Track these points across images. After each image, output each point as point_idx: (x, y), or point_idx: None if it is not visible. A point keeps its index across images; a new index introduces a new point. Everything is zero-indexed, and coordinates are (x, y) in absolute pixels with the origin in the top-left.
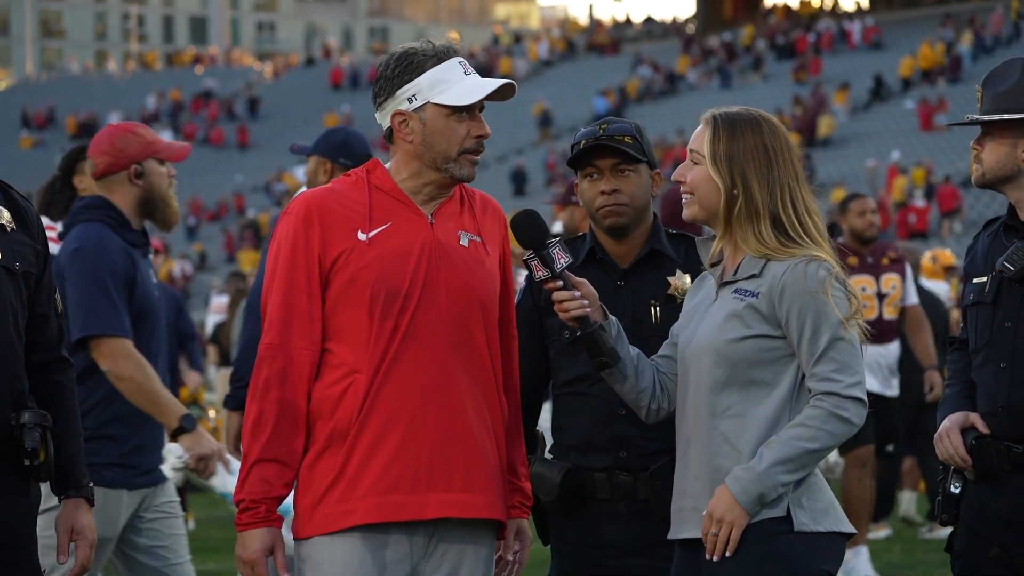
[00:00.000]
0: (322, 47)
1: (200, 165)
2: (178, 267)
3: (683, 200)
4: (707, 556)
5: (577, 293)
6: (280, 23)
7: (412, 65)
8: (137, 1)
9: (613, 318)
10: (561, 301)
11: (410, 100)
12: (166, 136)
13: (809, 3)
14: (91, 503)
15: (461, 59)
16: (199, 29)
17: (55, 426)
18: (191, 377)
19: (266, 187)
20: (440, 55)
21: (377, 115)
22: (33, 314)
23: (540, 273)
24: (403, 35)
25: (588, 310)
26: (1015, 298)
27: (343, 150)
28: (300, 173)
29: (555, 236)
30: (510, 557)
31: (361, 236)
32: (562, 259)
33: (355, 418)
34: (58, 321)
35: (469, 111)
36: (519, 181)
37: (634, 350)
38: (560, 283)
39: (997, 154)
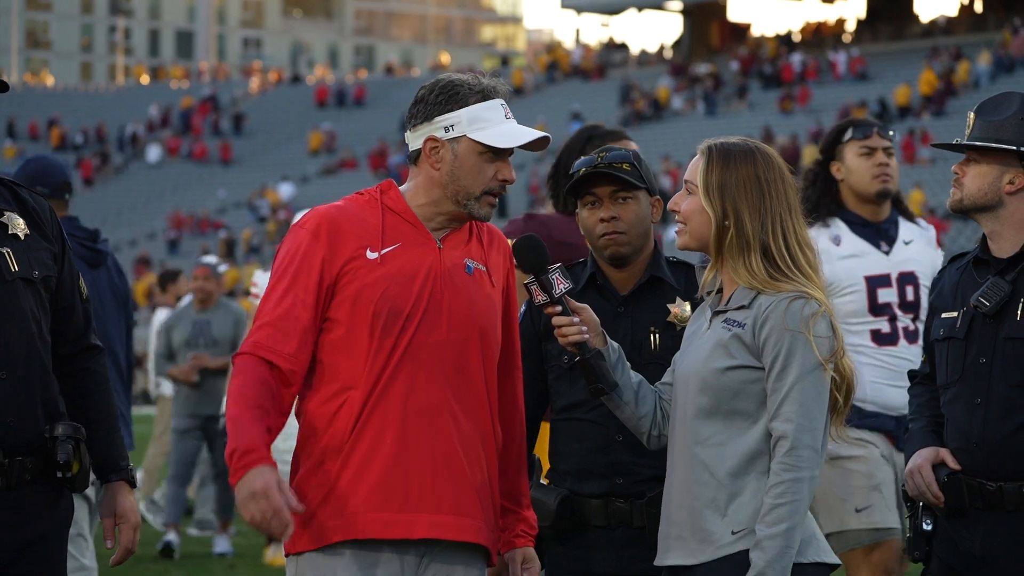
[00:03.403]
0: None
1: (184, 180)
2: None
3: (676, 229)
4: None
5: (576, 319)
6: (266, 39)
7: (457, 96)
8: (124, 14)
9: (615, 344)
10: (560, 326)
11: (447, 129)
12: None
13: (797, 31)
14: (132, 485)
15: (503, 101)
16: (185, 44)
17: (89, 412)
18: None
19: (249, 203)
20: (485, 93)
21: (408, 135)
22: (58, 308)
23: (540, 298)
24: (389, 54)
25: (587, 336)
26: (989, 334)
27: (40, 179)
28: (283, 190)
29: (556, 262)
30: None
31: (371, 255)
32: (562, 284)
33: (348, 435)
34: (83, 307)
35: (499, 153)
36: (501, 204)
37: (636, 376)
38: (559, 308)
39: (980, 182)
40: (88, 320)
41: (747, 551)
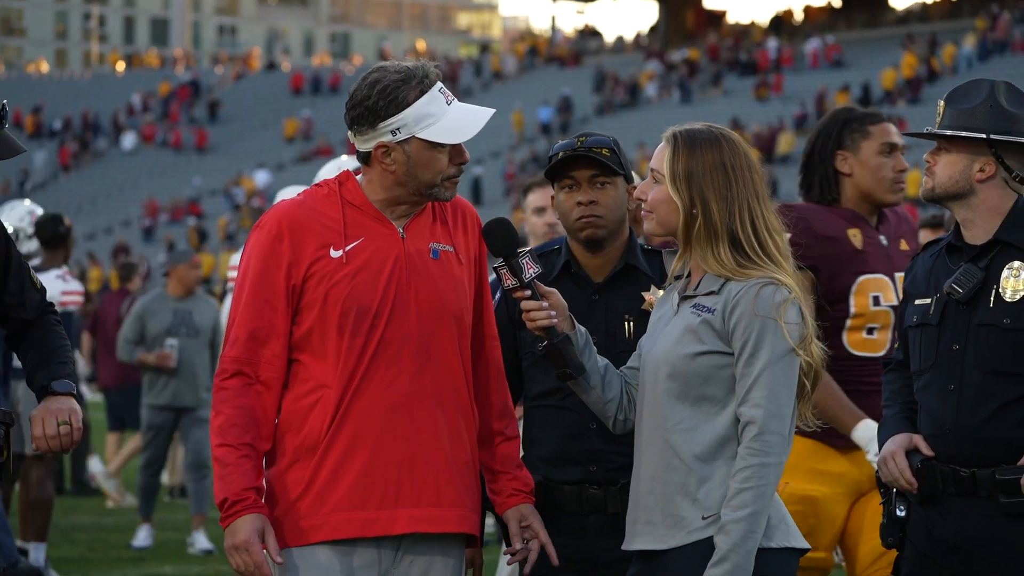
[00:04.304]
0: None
1: (159, 167)
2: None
3: (642, 214)
4: None
5: (545, 303)
6: (241, 27)
7: (397, 99)
8: (99, 1)
9: (582, 328)
10: (529, 311)
11: (394, 133)
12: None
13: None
14: (64, 395)
15: (440, 84)
16: (160, 31)
17: (37, 346)
18: None
19: (224, 190)
20: (422, 84)
21: (355, 139)
22: (13, 304)
23: (509, 282)
24: (364, 41)
25: (555, 320)
26: (962, 320)
27: None
28: (259, 177)
29: (526, 246)
30: (519, 545)
31: (334, 253)
32: (531, 269)
33: (324, 433)
34: (39, 296)
35: None
36: (476, 191)
37: (602, 360)
38: (528, 292)
39: (951, 170)
40: (43, 297)
41: (712, 537)
